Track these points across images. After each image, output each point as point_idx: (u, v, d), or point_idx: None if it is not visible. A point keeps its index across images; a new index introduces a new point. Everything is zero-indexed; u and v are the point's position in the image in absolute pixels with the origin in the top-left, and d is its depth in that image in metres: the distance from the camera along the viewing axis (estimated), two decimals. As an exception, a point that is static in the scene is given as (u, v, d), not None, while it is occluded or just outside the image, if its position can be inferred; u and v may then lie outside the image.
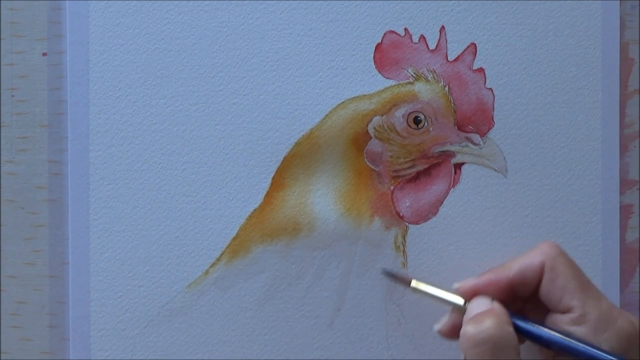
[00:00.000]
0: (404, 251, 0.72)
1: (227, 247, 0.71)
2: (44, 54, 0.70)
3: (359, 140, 0.71)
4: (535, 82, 0.73)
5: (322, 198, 0.71)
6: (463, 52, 0.72)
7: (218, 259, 0.71)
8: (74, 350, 0.70)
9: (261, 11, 0.71)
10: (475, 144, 0.72)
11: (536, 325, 0.64)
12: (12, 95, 0.70)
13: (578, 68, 0.73)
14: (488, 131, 0.72)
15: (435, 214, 0.72)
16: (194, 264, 0.71)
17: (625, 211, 0.74)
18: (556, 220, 0.73)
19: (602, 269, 0.73)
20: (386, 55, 0.72)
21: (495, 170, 0.72)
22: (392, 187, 0.72)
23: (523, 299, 0.66)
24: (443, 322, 0.67)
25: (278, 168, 0.71)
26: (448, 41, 0.72)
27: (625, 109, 0.74)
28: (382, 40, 0.72)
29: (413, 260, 0.72)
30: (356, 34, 0.71)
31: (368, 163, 0.72)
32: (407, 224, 0.72)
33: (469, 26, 0.72)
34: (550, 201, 0.73)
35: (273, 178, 0.71)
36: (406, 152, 0.72)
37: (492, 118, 0.72)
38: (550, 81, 0.73)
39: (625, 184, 0.74)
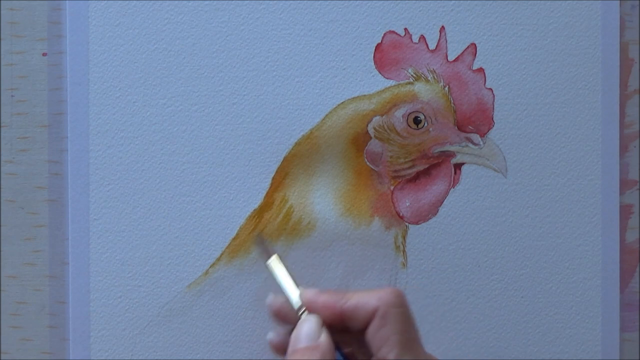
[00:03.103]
0: (404, 251, 0.72)
1: (227, 247, 0.71)
2: (44, 54, 0.70)
3: (359, 140, 0.71)
4: (535, 82, 0.73)
5: (322, 198, 0.71)
6: (463, 52, 0.72)
7: (218, 259, 0.71)
8: (74, 350, 0.70)
9: (261, 11, 0.71)
10: (475, 144, 0.72)
11: None
12: (12, 95, 0.70)
13: (578, 68, 0.73)
14: (488, 131, 0.72)
15: (435, 214, 0.72)
16: (194, 264, 0.71)
17: (625, 211, 0.74)
18: (556, 220, 0.73)
19: (602, 269, 0.73)
20: (386, 55, 0.72)
21: (495, 170, 0.72)
22: (392, 187, 0.72)
23: (356, 333, 0.65)
24: (276, 300, 0.66)
25: (278, 168, 0.71)
26: (448, 41, 0.72)
27: (625, 109, 0.74)
28: (382, 41, 0.72)
29: (413, 261, 0.72)
30: (356, 34, 0.71)
31: (368, 163, 0.72)
32: (407, 224, 0.72)
33: (469, 26, 0.72)
34: (550, 201, 0.73)
35: (273, 178, 0.71)
36: (406, 152, 0.72)
37: (492, 118, 0.72)
38: (550, 81, 0.73)
39: (625, 184, 0.74)
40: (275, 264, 0.66)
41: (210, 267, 0.71)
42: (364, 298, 0.64)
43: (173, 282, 0.71)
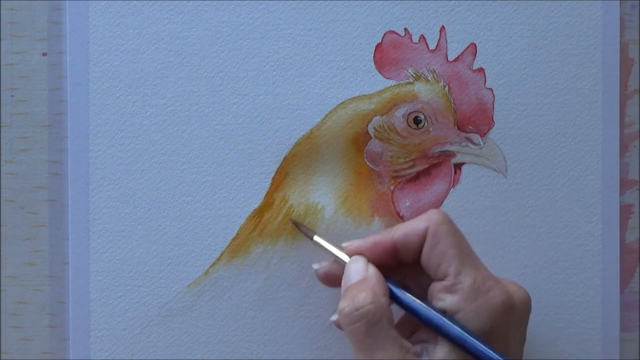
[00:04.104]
0: (404, 251, 0.72)
1: (227, 247, 0.71)
2: (44, 54, 0.70)
3: (359, 140, 0.71)
4: (535, 82, 0.73)
5: (322, 198, 0.71)
6: (463, 52, 0.72)
7: (218, 259, 0.71)
8: (74, 350, 0.70)
9: (261, 11, 0.71)
10: (475, 144, 0.72)
11: (409, 295, 0.65)
12: (12, 95, 0.70)
13: (578, 68, 0.73)
14: (488, 131, 0.72)
15: (435, 214, 0.72)
16: (194, 264, 0.71)
17: (625, 211, 0.74)
18: (556, 220, 0.73)
19: (602, 269, 0.73)
20: (386, 55, 0.72)
21: (495, 170, 0.72)
22: (392, 187, 0.72)
23: (409, 265, 0.66)
24: (322, 265, 0.68)
25: (278, 168, 0.71)
26: (448, 41, 0.72)
27: (625, 109, 0.74)
28: (382, 40, 0.72)
29: (413, 260, 0.72)
30: (356, 34, 0.71)
31: (368, 163, 0.72)
32: (407, 224, 0.72)
33: (469, 26, 0.72)
34: (550, 201, 0.73)
35: (273, 178, 0.71)
36: (406, 152, 0.72)
37: (492, 118, 0.72)
38: (550, 81, 0.73)
39: (625, 184, 0.74)
40: (319, 239, 0.68)
41: (210, 267, 0.71)
42: (411, 224, 0.65)
43: (173, 282, 0.71)
